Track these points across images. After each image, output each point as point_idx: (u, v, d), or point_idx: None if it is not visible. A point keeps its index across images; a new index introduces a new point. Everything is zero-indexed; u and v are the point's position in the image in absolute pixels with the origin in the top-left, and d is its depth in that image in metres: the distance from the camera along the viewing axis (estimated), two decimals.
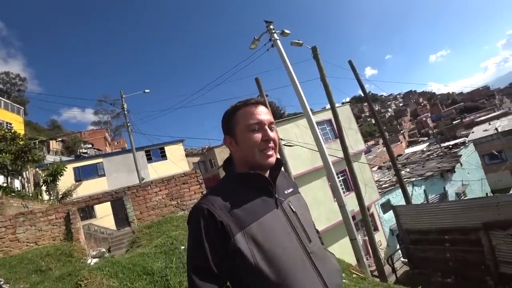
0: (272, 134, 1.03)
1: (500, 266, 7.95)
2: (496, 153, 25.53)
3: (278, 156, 1.09)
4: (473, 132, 31.44)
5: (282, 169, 1.15)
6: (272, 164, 1.04)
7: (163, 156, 23.46)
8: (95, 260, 6.24)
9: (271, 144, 1.02)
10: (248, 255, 0.88)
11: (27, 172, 17.51)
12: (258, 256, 0.88)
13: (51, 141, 34.94)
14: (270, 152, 1.02)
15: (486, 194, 19.93)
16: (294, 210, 1.05)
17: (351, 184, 13.48)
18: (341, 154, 9.40)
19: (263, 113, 1.04)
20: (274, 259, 0.89)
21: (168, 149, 23.62)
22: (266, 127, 1.03)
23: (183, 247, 4.74)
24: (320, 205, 14.32)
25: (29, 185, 18.00)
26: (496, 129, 25.91)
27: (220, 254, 0.90)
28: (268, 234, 0.93)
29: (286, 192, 1.10)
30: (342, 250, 11.84)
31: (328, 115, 15.81)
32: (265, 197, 1.01)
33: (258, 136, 1.01)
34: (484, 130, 29.27)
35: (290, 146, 11.01)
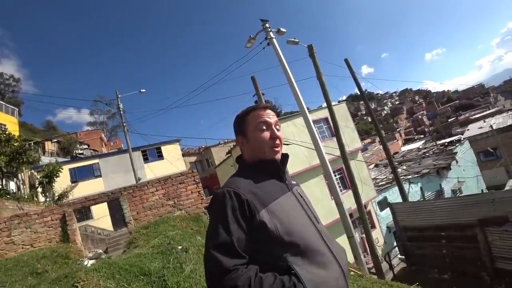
0: (278, 133, 1.20)
1: (496, 262, 8.03)
2: (491, 150, 25.76)
3: (284, 152, 1.26)
4: (468, 129, 31.69)
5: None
6: (279, 159, 1.20)
7: (160, 156, 23.38)
8: (92, 261, 6.19)
9: (278, 142, 1.19)
10: (272, 228, 0.99)
11: (22, 174, 17.32)
12: (281, 229, 1.00)
13: (46, 142, 34.64)
14: (278, 148, 1.19)
15: (482, 190, 20.11)
16: (302, 195, 1.21)
17: (348, 182, 13.52)
18: (338, 152, 9.42)
19: (270, 115, 1.21)
20: (294, 232, 1.02)
21: (164, 149, 23.53)
22: (273, 127, 1.20)
23: (180, 247, 4.72)
24: (317, 203, 14.33)
25: (24, 187, 17.82)
26: (491, 126, 26.14)
27: (248, 229, 0.99)
28: (286, 211, 1.06)
29: (292, 182, 1.26)
30: None
31: (325, 113, 15.85)
32: (277, 181, 1.16)
33: (267, 134, 1.17)
34: (479, 128, 29.51)
35: (287, 144, 11.02)
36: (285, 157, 1.23)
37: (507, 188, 14.23)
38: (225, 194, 1.03)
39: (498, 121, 29.29)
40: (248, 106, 1.27)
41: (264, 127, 1.17)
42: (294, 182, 1.27)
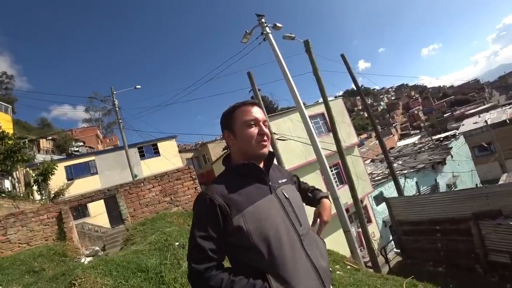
0: (266, 130, 1.20)
1: (489, 255, 8.16)
2: (485, 145, 26.04)
3: (271, 150, 1.25)
4: (463, 124, 31.95)
5: (276, 162, 1.31)
6: (266, 154, 1.20)
7: (156, 153, 23.29)
8: (89, 259, 6.18)
9: (265, 138, 1.19)
10: (245, 234, 1.02)
11: (17, 172, 17.17)
12: (254, 235, 1.02)
13: (41, 140, 34.31)
14: (265, 143, 1.19)
15: (476, 185, 20.35)
16: (287, 196, 1.19)
17: (344, 177, 13.59)
18: (334, 148, 9.45)
19: (258, 112, 1.21)
20: (268, 238, 1.03)
21: (161, 146, 23.43)
22: (261, 123, 1.20)
23: (177, 243, 4.74)
24: None
25: (19, 185, 17.68)
26: (486, 121, 26.36)
27: (220, 234, 1.03)
28: (263, 216, 1.06)
29: (280, 181, 1.24)
30: (336, 242, 11.98)
31: (321, 108, 15.84)
32: (259, 184, 1.15)
33: (255, 130, 1.17)
34: (474, 123, 29.77)
35: (284, 140, 11.03)
36: (271, 156, 1.23)
37: (500, 182, 14.40)
38: (200, 199, 1.08)
39: (492, 116, 29.55)
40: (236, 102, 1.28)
41: (252, 123, 1.17)
42: (283, 181, 1.26)
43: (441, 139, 25.97)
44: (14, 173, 16.37)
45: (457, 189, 18.12)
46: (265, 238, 1.02)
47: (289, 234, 1.08)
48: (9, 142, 12.84)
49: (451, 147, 21.40)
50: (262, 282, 0.98)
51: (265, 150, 1.19)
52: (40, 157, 24.18)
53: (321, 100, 10.26)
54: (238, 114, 1.19)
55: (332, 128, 9.21)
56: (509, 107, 30.98)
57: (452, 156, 20.56)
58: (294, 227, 1.11)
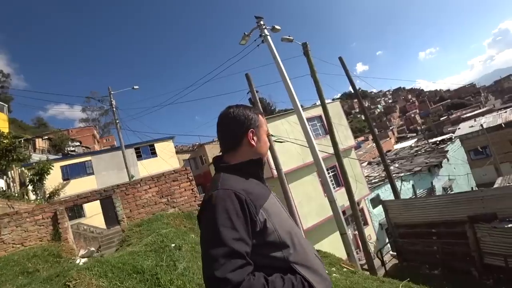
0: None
1: (484, 258, 8.20)
2: (481, 149, 26.26)
3: None
4: (459, 128, 32.18)
5: (273, 164, 1.39)
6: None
7: (153, 153, 23.21)
8: (84, 260, 6.14)
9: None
10: (271, 229, 0.99)
11: (12, 171, 17.02)
12: (279, 229, 1.01)
13: (37, 139, 34.03)
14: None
15: (472, 188, 20.48)
16: (276, 197, 1.21)
17: (341, 179, 13.62)
18: (331, 150, 9.47)
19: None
20: (289, 231, 1.04)
21: (158, 146, 23.36)
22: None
23: (173, 245, 4.71)
24: (310, 201, 14.43)
25: (14, 185, 17.52)
26: (481, 125, 26.60)
27: (250, 233, 0.92)
28: (278, 211, 1.08)
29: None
30: (333, 244, 12.00)
31: (319, 111, 15.89)
32: (261, 182, 1.16)
33: (268, 141, 1.26)
34: (470, 127, 30.00)
35: (281, 142, 11.04)
36: None
37: (496, 185, 14.51)
38: (223, 196, 0.94)
39: (488, 120, 29.81)
40: (247, 104, 1.33)
41: (267, 134, 1.26)
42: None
43: (438, 142, 26.13)
44: (9, 172, 16.22)
45: (453, 192, 18.23)
46: (287, 231, 1.03)
47: (296, 226, 1.13)
48: (5, 141, 12.73)
49: (447, 150, 21.54)
50: (294, 277, 0.94)
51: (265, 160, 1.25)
52: (35, 157, 23.99)
53: (318, 102, 10.31)
54: (262, 121, 1.24)
55: (329, 130, 9.23)
56: (504, 111, 31.25)
57: (448, 159, 20.69)
58: (295, 223, 1.16)
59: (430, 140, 29.05)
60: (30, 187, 14.91)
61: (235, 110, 1.18)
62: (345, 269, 5.71)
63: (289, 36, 9.14)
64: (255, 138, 1.17)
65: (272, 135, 10.13)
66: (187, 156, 30.90)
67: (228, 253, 0.84)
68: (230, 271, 0.81)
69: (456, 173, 20.97)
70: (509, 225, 7.56)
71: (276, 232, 0.99)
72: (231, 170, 1.11)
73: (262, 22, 8.62)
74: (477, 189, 18.37)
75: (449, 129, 44.64)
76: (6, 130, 17.52)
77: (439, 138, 29.13)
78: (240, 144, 1.16)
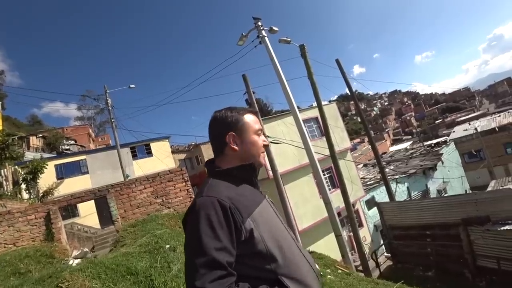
0: (267, 141, 1.20)
1: (477, 260, 8.28)
2: (475, 152, 26.55)
3: None
4: (454, 131, 32.54)
5: (269, 166, 1.33)
6: (262, 165, 1.19)
7: (149, 153, 23.05)
8: (77, 260, 6.06)
9: (265, 149, 1.19)
10: (258, 239, 0.93)
11: (5, 170, 16.78)
12: (267, 240, 0.95)
13: (31, 137, 33.63)
14: (264, 154, 1.18)
15: (466, 191, 20.70)
16: (272, 202, 1.19)
17: (337, 181, 13.67)
18: (327, 152, 9.50)
19: (261, 122, 1.22)
20: (279, 242, 0.98)
21: (153, 146, 23.21)
22: (263, 134, 1.20)
23: (168, 246, 4.68)
24: (306, 202, 14.45)
25: (7, 183, 17.25)
26: (476, 129, 26.89)
27: (234, 242, 0.89)
28: (268, 220, 1.02)
29: (260, 189, 1.22)
30: (328, 246, 12.02)
31: (315, 113, 15.92)
32: (253, 188, 1.12)
33: (260, 140, 1.16)
34: (464, 130, 30.35)
35: (277, 143, 11.04)
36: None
37: (489, 189, 14.67)
38: (206, 203, 0.92)
39: (482, 124, 30.16)
40: (238, 105, 1.23)
41: (259, 133, 1.16)
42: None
43: (433, 145, 26.36)
44: (1, 170, 16.01)
45: (447, 195, 18.39)
46: (276, 241, 0.97)
47: (289, 237, 1.06)
48: None
49: (442, 153, 21.74)
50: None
51: (262, 162, 1.17)
52: (29, 155, 23.71)
53: (315, 104, 10.33)
54: (249, 119, 1.15)
55: (325, 132, 9.26)
56: (498, 115, 31.65)
57: (442, 162, 20.88)
58: (288, 231, 1.09)
59: (425, 143, 29.30)
60: (23, 186, 14.72)
61: (219, 114, 1.15)
62: (340, 271, 5.73)
63: (286, 37, 9.16)
64: (237, 141, 1.11)
65: (268, 136, 10.13)
66: (183, 156, 30.76)
67: (209, 263, 0.83)
68: (210, 282, 0.81)
69: (451, 176, 21.17)
70: (502, 228, 7.65)
71: (263, 243, 0.93)
72: (221, 175, 1.07)
73: (260, 23, 8.62)
74: (471, 192, 18.58)
75: (444, 132, 45.05)
76: None
77: (434, 141, 29.40)
78: (224, 149, 1.12)
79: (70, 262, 5.72)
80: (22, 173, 14.89)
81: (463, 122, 38.59)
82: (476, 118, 39.01)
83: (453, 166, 22.09)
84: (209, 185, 1.02)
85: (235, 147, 1.11)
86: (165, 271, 3.84)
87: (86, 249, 7.84)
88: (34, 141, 33.85)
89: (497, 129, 27.32)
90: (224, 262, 0.84)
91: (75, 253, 7.23)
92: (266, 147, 1.17)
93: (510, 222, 7.64)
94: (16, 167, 17.71)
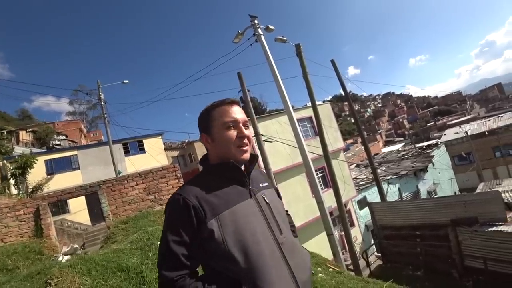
0: (246, 132, 1.10)
1: (465, 260, 8.45)
2: (464, 155, 27.05)
3: (253, 152, 1.17)
4: (445, 134, 33.08)
5: (262, 165, 1.23)
6: (247, 159, 1.11)
7: (141, 150, 22.85)
8: (67, 257, 5.98)
9: (246, 141, 1.09)
10: (220, 240, 0.94)
11: None
12: (230, 242, 0.94)
13: (20, 132, 33.02)
14: (245, 148, 1.09)
15: (455, 192, 21.06)
16: (267, 201, 1.11)
17: (330, 181, 13.78)
18: (320, 151, 9.55)
19: (238, 112, 1.11)
20: (245, 246, 0.95)
21: (146, 142, 23.02)
22: (241, 125, 1.09)
23: (159, 243, 4.65)
24: (298, 201, 14.53)
25: None
26: (466, 132, 27.40)
27: (194, 239, 0.95)
28: (240, 222, 0.98)
29: (261, 185, 1.16)
30: (319, 245, 12.10)
31: (309, 112, 16.00)
32: (238, 187, 1.07)
33: (234, 133, 1.07)
34: (455, 133, 30.87)
35: (271, 142, 11.07)
36: (253, 157, 1.14)
37: (478, 191, 14.95)
38: (174, 201, 0.99)
39: (472, 128, 30.72)
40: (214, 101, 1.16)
41: (231, 125, 1.07)
42: (264, 185, 1.18)
43: (424, 147, 26.75)
44: None
45: (437, 196, 18.69)
46: (242, 245, 0.94)
47: (268, 241, 1.00)
48: None
49: (433, 155, 22.09)
50: None
51: (246, 156, 1.09)
52: (19, 150, 23.26)
53: (309, 104, 10.37)
54: (216, 114, 1.09)
55: (319, 132, 9.30)
56: (488, 119, 32.27)
57: (433, 164, 21.21)
58: (273, 234, 1.03)
59: (417, 145, 29.72)
60: (12, 181, 14.44)
61: (200, 113, 1.17)
62: (331, 270, 5.77)
63: (282, 36, 9.17)
64: (209, 140, 1.11)
65: (262, 135, 10.14)
66: (176, 153, 30.59)
67: (166, 253, 0.95)
68: (164, 269, 0.93)
69: (441, 177, 21.53)
70: (490, 229, 7.82)
71: (225, 245, 0.93)
72: (204, 172, 1.14)
73: (256, 21, 8.60)
74: (460, 193, 18.91)
75: (435, 134, 45.80)
76: None
77: (426, 143, 29.84)
78: (207, 150, 1.16)
79: (60, 259, 5.64)
80: (11, 168, 14.59)
81: (454, 125, 39.25)
82: (467, 121, 39.76)
83: (444, 168, 22.47)
84: (188, 181, 1.08)
85: (209, 147, 1.13)
86: (157, 268, 3.81)
87: (76, 246, 7.74)
88: (24, 135, 33.23)
89: (486, 133, 27.88)
90: (179, 253, 0.93)
91: (65, 249, 7.13)
92: (242, 138, 1.08)
93: (497, 223, 7.83)
94: (5, 161, 17.39)
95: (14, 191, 14.41)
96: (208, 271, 1.01)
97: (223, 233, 0.95)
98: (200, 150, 27.69)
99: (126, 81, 16.61)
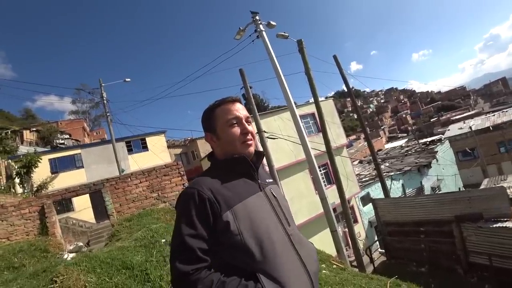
0: (249, 128, 1.14)
1: (469, 256, 8.41)
2: (469, 150, 26.83)
3: (257, 148, 1.21)
4: (449, 129, 32.83)
5: (265, 161, 1.23)
6: (252, 153, 1.15)
7: (144, 147, 22.93)
8: (72, 255, 6.04)
9: (249, 136, 1.14)
10: (235, 232, 0.96)
11: None
12: (245, 234, 0.96)
13: (24, 131, 33.27)
14: (250, 142, 1.14)
15: (459, 188, 20.94)
16: (275, 195, 1.16)
17: (333, 177, 13.73)
18: (323, 148, 9.52)
19: (240, 109, 1.15)
20: (259, 237, 0.97)
21: (149, 140, 23.09)
22: (244, 121, 1.14)
23: (163, 240, 4.67)
24: (302, 198, 14.52)
25: (0, 177, 17.10)
26: (470, 127, 27.18)
27: (210, 231, 0.96)
28: (253, 214, 1.01)
29: (267, 181, 1.20)
30: (323, 241, 12.09)
31: (312, 108, 15.95)
32: (248, 180, 1.11)
33: (238, 130, 1.12)
34: (459, 128, 30.64)
35: (273, 138, 11.05)
36: (259, 154, 1.18)
37: (482, 187, 14.85)
38: (188, 194, 1.00)
39: (476, 123, 30.46)
40: (216, 99, 1.19)
41: (234, 122, 1.12)
42: (270, 181, 1.22)
43: (427, 143, 26.59)
44: None
45: (441, 192, 18.60)
46: (256, 236, 0.97)
47: (279, 233, 1.04)
48: None
49: (437, 151, 21.94)
50: (254, 283, 0.91)
51: (251, 149, 1.14)
52: (23, 149, 23.46)
53: (312, 100, 10.33)
54: (219, 113, 1.14)
55: (322, 128, 9.27)
56: (492, 114, 31.98)
57: (437, 160, 21.07)
58: (283, 226, 1.07)
59: (420, 141, 29.53)
60: (17, 180, 14.57)
61: (203, 113, 1.20)
62: (334, 266, 5.77)
63: (284, 32, 9.10)
64: (214, 138, 1.16)
65: (265, 131, 10.11)
66: (178, 150, 30.69)
67: (181, 246, 0.93)
68: (179, 262, 0.91)
69: (445, 173, 21.39)
70: (494, 225, 7.77)
71: (241, 236, 0.95)
72: (213, 167, 1.17)
73: (257, 17, 8.56)
74: (464, 189, 18.80)
75: (439, 130, 45.46)
76: None
77: (429, 139, 29.67)
78: (212, 148, 1.20)
79: (65, 256, 5.70)
80: (16, 167, 14.73)
81: (458, 120, 38.97)
82: (471, 117, 39.41)
83: (447, 164, 22.32)
84: (199, 176, 1.09)
85: (214, 145, 1.17)
86: (161, 265, 3.83)
87: (81, 244, 7.81)
88: (28, 135, 33.48)
89: (491, 128, 27.63)
90: (195, 247, 0.92)
91: (70, 247, 7.20)
92: (246, 134, 1.12)
93: (502, 219, 7.77)
94: (10, 161, 17.53)
95: (19, 190, 14.55)
96: (222, 264, 0.99)
97: (238, 225, 0.97)
98: (203, 147, 27.76)
99: (128, 79, 16.66)
